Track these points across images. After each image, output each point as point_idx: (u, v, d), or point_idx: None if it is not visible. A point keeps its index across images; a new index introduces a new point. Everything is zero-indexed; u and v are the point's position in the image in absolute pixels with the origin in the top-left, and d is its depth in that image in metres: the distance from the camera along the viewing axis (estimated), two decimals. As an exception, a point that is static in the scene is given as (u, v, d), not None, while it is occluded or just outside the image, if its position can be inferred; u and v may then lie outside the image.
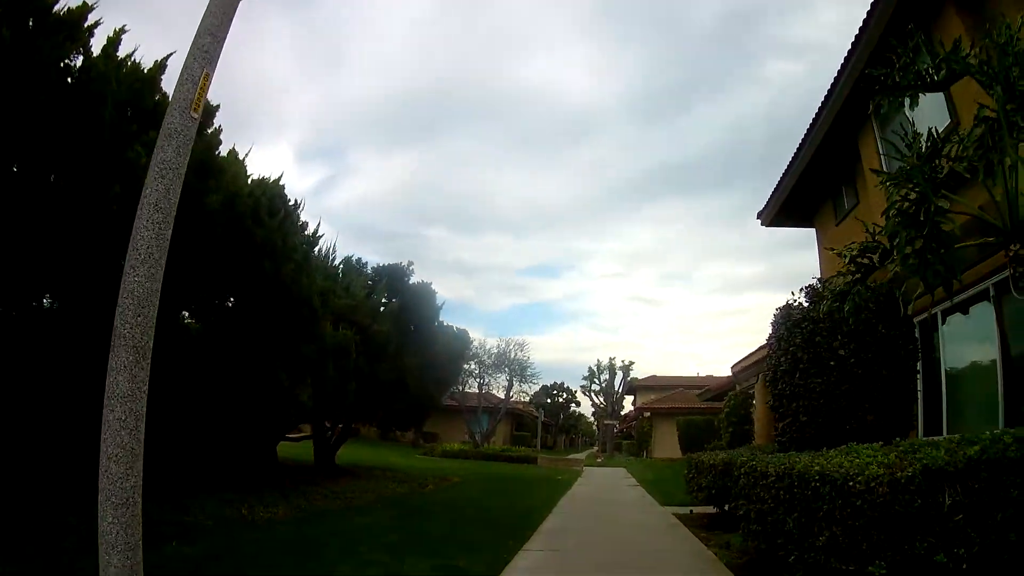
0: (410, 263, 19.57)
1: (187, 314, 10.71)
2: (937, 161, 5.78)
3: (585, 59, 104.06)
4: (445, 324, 21.03)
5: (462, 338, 21.56)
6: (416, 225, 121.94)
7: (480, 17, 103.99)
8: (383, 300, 17.98)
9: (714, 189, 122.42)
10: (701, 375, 59.71)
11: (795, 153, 15.58)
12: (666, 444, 42.47)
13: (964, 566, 3.97)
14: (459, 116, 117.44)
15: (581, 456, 49.30)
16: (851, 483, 4.81)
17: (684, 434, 27.79)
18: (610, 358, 62.95)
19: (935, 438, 6.60)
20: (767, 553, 6.55)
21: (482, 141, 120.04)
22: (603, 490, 19.04)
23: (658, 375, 64.60)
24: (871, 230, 7.03)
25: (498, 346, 44.08)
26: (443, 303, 20.01)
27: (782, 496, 5.94)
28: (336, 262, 16.85)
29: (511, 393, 42.45)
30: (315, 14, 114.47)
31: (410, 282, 19.46)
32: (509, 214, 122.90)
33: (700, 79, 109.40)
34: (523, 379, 42.72)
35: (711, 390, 28.52)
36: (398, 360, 16.16)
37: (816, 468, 5.38)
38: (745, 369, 23.88)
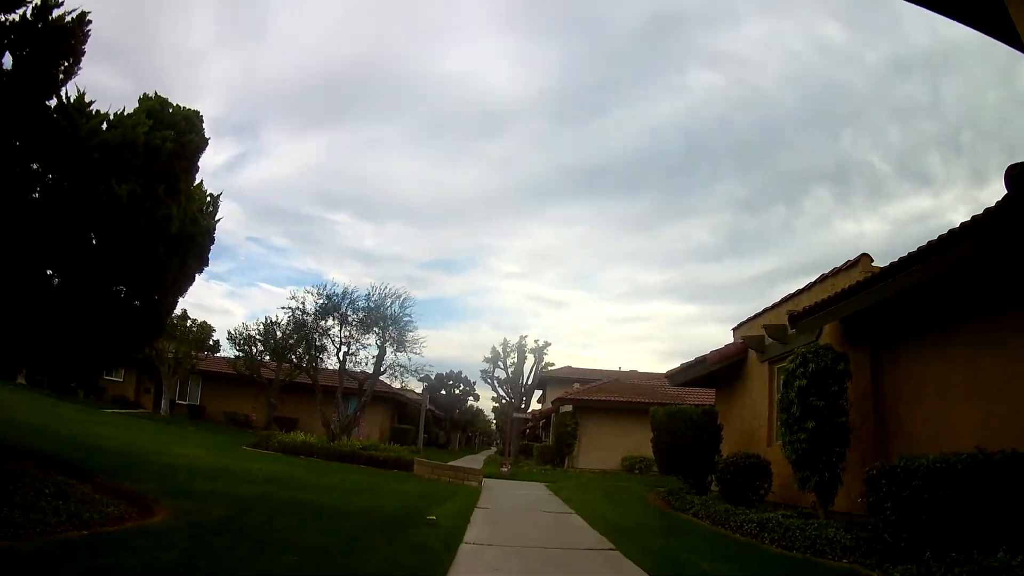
0: None
1: None
2: None
3: (503, 53, 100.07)
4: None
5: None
6: (322, 209, 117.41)
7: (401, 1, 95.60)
8: None
9: (623, 194, 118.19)
10: (624, 369, 49.60)
11: None
12: (597, 451, 32.08)
13: None
14: (372, 101, 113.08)
15: (478, 460, 37.40)
16: None
17: (665, 434, 15.95)
18: (520, 336, 50.93)
19: None
20: None
21: (394, 128, 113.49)
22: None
23: (574, 366, 53.44)
24: None
25: (368, 296, 29.79)
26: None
27: None
28: None
29: (383, 367, 29.31)
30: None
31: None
32: (415, 204, 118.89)
33: (618, 82, 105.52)
34: (401, 345, 29.53)
35: (708, 362, 16.87)
36: None
37: None
38: (807, 313, 12.36)
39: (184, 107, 9.67)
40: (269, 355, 37.12)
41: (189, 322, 39.21)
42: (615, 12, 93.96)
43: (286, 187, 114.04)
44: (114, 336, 8.55)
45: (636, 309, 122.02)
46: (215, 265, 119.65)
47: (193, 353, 38.89)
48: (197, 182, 9.95)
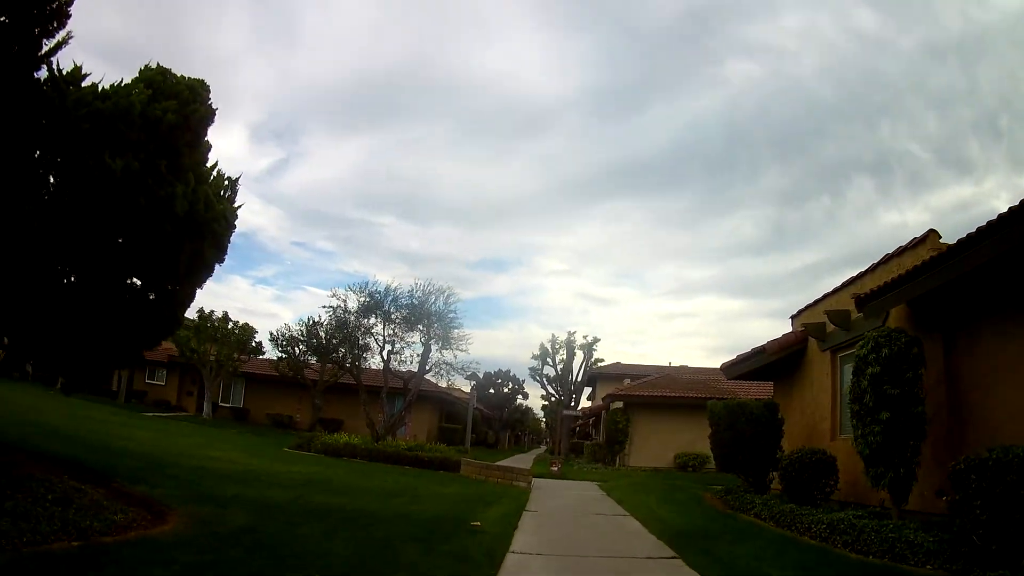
0: None
1: None
2: None
3: (542, 51, 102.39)
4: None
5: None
6: (366, 212, 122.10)
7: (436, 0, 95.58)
8: None
9: (667, 189, 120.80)
10: (674, 365, 48.39)
11: None
12: (649, 448, 31.04)
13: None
14: (412, 102, 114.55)
15: (527, 460, 36.65)
16: None
17: (724, 429, 14.99)
18: (569, 332, 49.86)
19: None
20: None
21: (434, 129, 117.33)
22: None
23: (624, 363, 52.32)
24: None
25: (411, 293, 28.40)
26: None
27: None
28: None
29: (428, 366, 28.33)
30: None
31: None
32: (459, 205, 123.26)
33: (657, 77, 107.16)
34: (447, 342, 28.76)
35: (767, 352, 15.85)
36: None
37: None
38: (874, 295, 11.53)
39: (188, 77, 9.02)
40: (312, 355, 36.54)
41: (231, 324, 39.07)
42: (650, 6, 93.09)
43: (329, 191, 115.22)
44: (127, 330, 8.01)
45: (684, 305, 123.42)
46: (261, 270, 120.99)
47: (235, 355, 38.72)
48: (211, 163, 9.29)
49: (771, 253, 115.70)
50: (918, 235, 11.63)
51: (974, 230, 8.56)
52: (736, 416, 14.63)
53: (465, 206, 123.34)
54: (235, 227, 9.91)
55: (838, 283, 14.52)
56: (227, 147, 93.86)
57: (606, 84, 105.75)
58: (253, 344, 40.58)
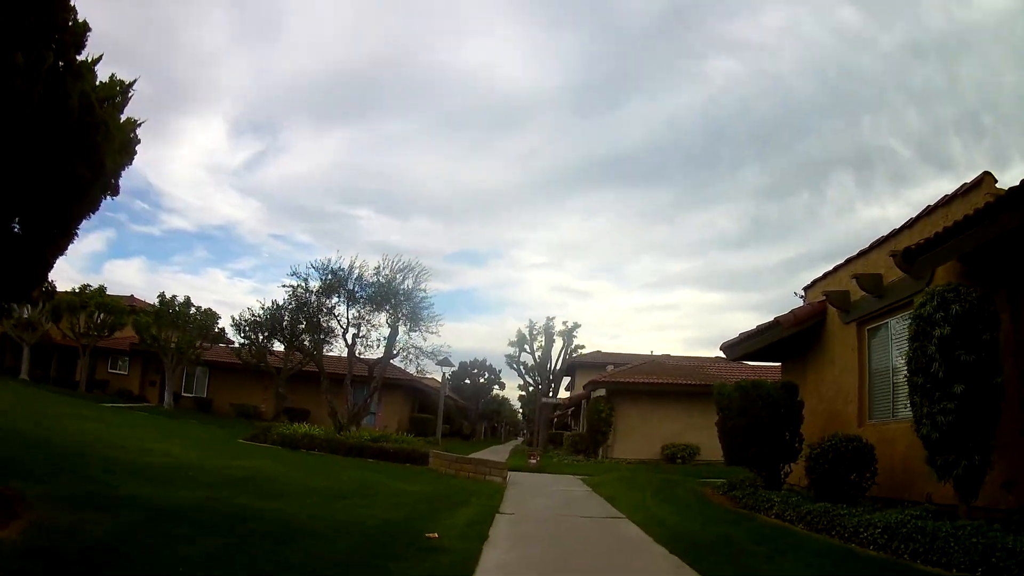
0: None
1: None
2: None
3: (521, 45, 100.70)
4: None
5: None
6: (345, 205, 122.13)
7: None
8: None
9: (646, 184, 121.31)
10: (656, 353, 46.17)
11: None
12: (635, 439, 29.15)
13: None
14: (391, 97, 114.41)
15: (503, 452, 34.60)
16: None
17: (736, 415, 12.63)
18: (548, 318, 47.29)
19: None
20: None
21: (413, 123, 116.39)
22: None
23: (604, 351, 50.21)
24: None
25: (377, 271, 25.57)
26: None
27: None
28: None
29: (395, 350, 25.72)
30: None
31: None
32: (439, 198, 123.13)
33: (637, 72, 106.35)
34: (416, 324, 25.70)
35: (783, 326, 13.58)
36: None
37: None
38: (929, 246, 9.38)
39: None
40: (278, 339, 33.82)
41: (193, 309, 36.70)
42: (632, 2, 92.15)
43: (307, 184, 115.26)
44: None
45: (662, 298, 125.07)
46: (239, 262, 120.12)
47: (197, 342, 36.48)
48: (94, 56, 6.95)
49: (750, 247, 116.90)
50: (968, 180, 9.62)
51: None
52: (751, 400, 12.35)
53: (444, 200, 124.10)
54: (135, 152, 7.67)
55: (816, 275, 13.49)
56: (206, 141, 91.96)
57: (585, 79, 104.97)
58: (216, 330, 38.17)
